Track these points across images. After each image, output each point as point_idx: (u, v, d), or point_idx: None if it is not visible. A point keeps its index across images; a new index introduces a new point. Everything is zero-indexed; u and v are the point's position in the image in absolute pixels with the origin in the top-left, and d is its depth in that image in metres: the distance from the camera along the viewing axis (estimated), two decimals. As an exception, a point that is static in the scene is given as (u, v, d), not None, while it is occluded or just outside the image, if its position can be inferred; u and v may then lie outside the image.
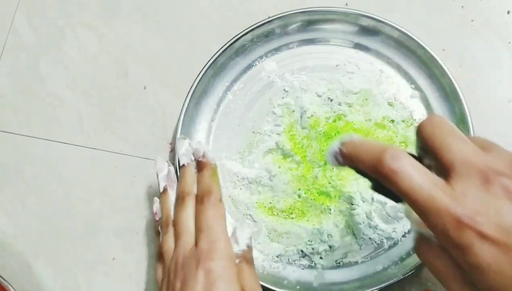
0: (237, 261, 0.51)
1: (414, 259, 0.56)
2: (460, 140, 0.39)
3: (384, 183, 0.39)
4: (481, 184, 0.36)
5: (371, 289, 0.55)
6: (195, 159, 0.57)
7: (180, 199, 0.55)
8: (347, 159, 0.43)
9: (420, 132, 0.41)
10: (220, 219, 0.52)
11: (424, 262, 0.42)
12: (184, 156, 0.57)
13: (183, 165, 0.57)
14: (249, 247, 0.52)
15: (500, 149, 0.39)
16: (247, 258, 0.52)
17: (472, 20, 0.64)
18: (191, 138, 0.61)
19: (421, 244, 0.42)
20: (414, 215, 0.39)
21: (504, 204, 0.35)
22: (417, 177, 0.37)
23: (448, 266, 0.39)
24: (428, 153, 0.41)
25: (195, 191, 0.55)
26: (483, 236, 0.35)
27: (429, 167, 0.39)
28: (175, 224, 0.54)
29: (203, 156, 0.56)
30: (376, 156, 0.39)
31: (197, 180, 0.56)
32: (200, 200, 0.54)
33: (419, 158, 0.41)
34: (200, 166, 0.56)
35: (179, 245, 0.52)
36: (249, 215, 0.60)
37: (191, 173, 0.56)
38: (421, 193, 0.37)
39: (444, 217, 0.36)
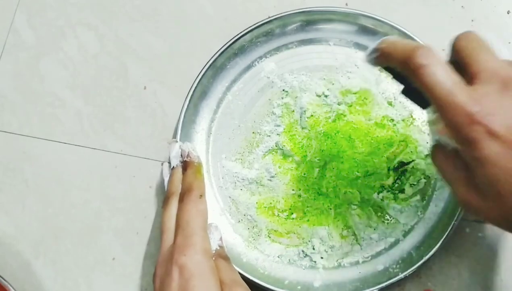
0: (213, 258, 0.52)
1: (415, 259, 0.56)
2: (490, 54, 0.42)
3: (412, 78, 0.42)
4: (500, 88, 0.39)
5: (371, 289, 0.55)
6: (181, 160, 0.59)
7: (165, 200, 0.56)
8: (383, 54, 0.45)
9: (454, 44, 0.44)
10: (198, 214, 0.53)
11: (437, 166, 0.45)
12: (175, 158, 0.59)
13: (173, 167, 0.59)
14: (221, 247, 0.55)
15: None
16: (221, 255, 0.54)
17: (472, 20, 0.64)
18: (190, 139, 0.61)
19: (436, 150, 0.45)
20: (436, 123, 0.44)
21: None
22: (441, 73, 0.40)
23: (457, 170, 0.42)
24: (459, 66, 0.43)
25: (180, 191, 0.57)
26: (491, 132, 0.38)
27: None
28: (161, 224, 0.55)
29: (187, 155, 0.58)
30: (408, 51, 0.41)
31: (182, 179, 0.58)
32: (181, 198, 0.55)
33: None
34: (184, 165, 0.59)
35: (161, 245, 0.53)
36: (250, 215, 0.60)
37: (178, 174, 0.58)
38: (442, 88, 0.40)
39: (459, 112, 0.39)
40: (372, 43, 0.46)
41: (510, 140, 0.38)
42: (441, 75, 0.40)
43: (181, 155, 0.59)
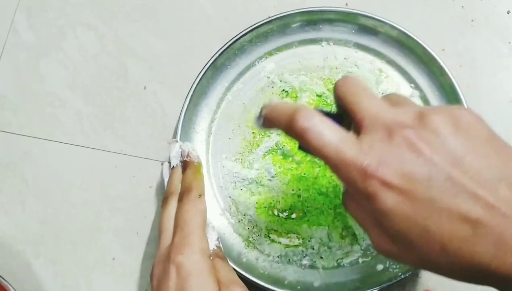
0: (211, 258, 0.51)
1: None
2: (370, 98, 0.41)
3: (298, 141, 0.41)
4: (386, 136, 0.38)
5: (371, 289, 0.55)
6: (181, 159, 0.59)
7: (164, 199, 0.56)
8: (267, 121, 0.45)
9: (335, 90, 0.44)
10: (197, 214, 0.53)
11: (350, 214, 0.43)
12: (175, 158, 0.59)
13: (173, 166, 0.59)
14: (218, 247, 0.54)
15: (410, 103, 0.42)
16: (219, 255, 0.54)
17: (472, 20, 0.64)
18: (189, 139, 0.61)
19: (346, 197, 0.43)
20: None
21: (405, 153, 0.37)
22: (326, 133, 0.39)
23: (367, 216, 0.41)
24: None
25: (179, 190, 0.57)
26: (386, 184, 0.37)
27: (349, 124, 0.42)
28: (159, 224, 0.55)
29: (187, 155, 0.58)
30: (289, 116, 0.41)
31: (181, 179, 0.58)
32: (180, 198, 0.55)
33: (339, 116, 0.43)
34: (184, 165, 0.59)
35: (159, 244, 0.53)
36: (250, 215, 0.60)
37: (178, 174, 0.58)
38: (329, 148, 0.39)
39: (351, 169, 0.38)
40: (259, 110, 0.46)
41: (406, 188, 0.37)
42: (326, 135, 0.39)
43: (181, 155, 0.59)
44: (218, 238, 0.55)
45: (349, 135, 0.40)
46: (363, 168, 0.37)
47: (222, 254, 0.55)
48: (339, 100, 0.43)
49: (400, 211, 0.37)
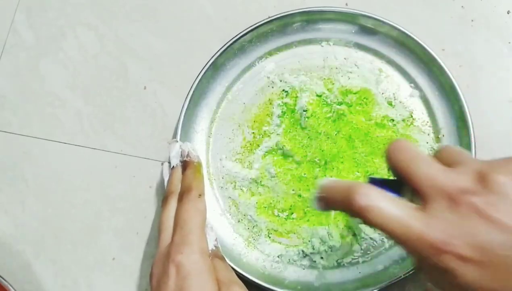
0: (210, 258, 0.51)
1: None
2: (425, 164, 0.39)
3: (360, 220, 0.39)
4: (450, 206, 0.37)
5: (371, 289, 0.55)
6: (181, 159, 0.59)
7: (164, 199, 0.56)
8: (326, 203, 0.43)
9: (387, 158, 0.42)
10: (196, 214, 0.53)
11: (429, 281, 0.42)
12: (175, 158, 0.59)
13: (173, 166, 0.59)
14: (217, 247, 0.55)
15: (466, 160, 0.40)
16: (217, 255, 0.54)
17: (472, 20, 0.64)
18: (189, 140, 0.61)
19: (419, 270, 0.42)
20: None
21: (473, 223, 0.36)
22: (388, 210, 0.38)
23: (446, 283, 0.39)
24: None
25: (179, 190, 0.57)
26: (462, 258, 0.35)
27: (410, 190, 0.40)
28: (158, 223, 0.55)
29: (187, 155, 0.58)
30: (346, 197, 0.39)
31: (181, 179, 0.58)
32: (180, 197, 0.55)
33: (397, 182, 0.41)
34: (184, 165, 0.59)
35: (159, 243, 0.53)
36: (250, 215, 0.60)
37: (177, 174, 0.58)
38: (394, 225, 0.37)
39: (421, 245, 0.36)
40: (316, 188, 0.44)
41: (482, 260, 0.35)
42: (388, 213, 0.37)
43: (181, 155, 0.59)
44: (216, 238, 0.56)
45: (413, 208, 0.38)
46: (434, 243, 0.36)
47: (220, 254, 0.55)
48: (394, 169, 0.41)
49: (481, 283, 0.36)
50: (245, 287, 0.51)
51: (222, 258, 0.54)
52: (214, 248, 0.54)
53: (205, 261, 0.50)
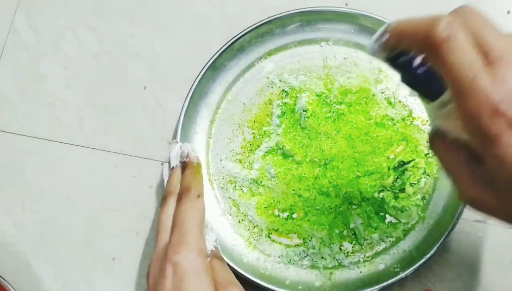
0: (208, 259, 0.51)
1: (415, 258, 0.56)
2: (495, 31, 0.37)
3: (431, 55, 0.37)
4: None
5: (372, 288, 0.55)
6: (180, 160, 0.59)
7: (163, 199, 0.56)
8: (396, 35, 0.40)
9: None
10: (195, 214, 0.53)
11: (436, 155, 0.41)
12: (174, 158, 0.59)
13: (172, 167, 0.59)
14: (216, 248, 0.54)
15: None
16: (217, 255, 0.53)
17: (472, 20, 0.64)
18: (189, 140, 0.61)
19: (435, 138, 0.41)
20: (441, 108, 0.39)
21: None
22: (467, 52, 0.35)
23: (461, 163, 0.38)
24: None
25: (178, 190, 0.56)
26: None
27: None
28: (157, 223, 0.55)
29: (187, 156, 0.58)
30: (429, 23, 0.36)
31: (181, 179, 0.57)
32: (179, 197, 0.55)
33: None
34: (183, 166, 0.59)
35: (156, 244, 0.53)
36: (250, 215, 0.60)
37: (177, 174, 0.58)
38: (467, 71, 0.35)
39: (482, 101, 0.34)
40: (378, 30, 0.42)
41: None
42: (467, 55, 0.35)
43: (181, 155, 0.59)
44: (216, 239, 0.55)
45: (483, 64, 0.35)
46: (494, 104, 0.34)
47: (220, 255, 0.55)
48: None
49: None
50: (243, 288, 0.51)
51: (221, 259, 0.54)
52: (213, 248, 0.54)
53: (203, 261, 0.50)
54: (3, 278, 0.57)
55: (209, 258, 0.52)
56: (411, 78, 0.41)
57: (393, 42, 0.40)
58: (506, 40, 0.36)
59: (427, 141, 0.47)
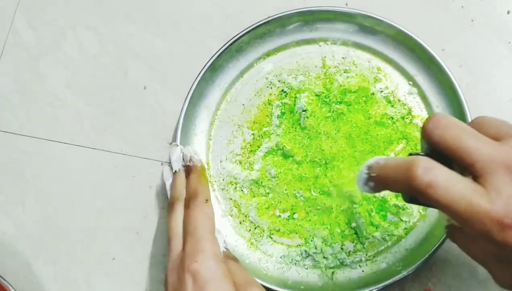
0: (223, 261, 0.51)
1: (418, 254, 0.56)
2: (474, 138, 0.38)
3: (420, 198, 0.38)
4: (508, 177, 0.36)
5: (374, 287, 0.55)
6: (183, 164, 0.59)
7: (169, 206, 0.56)
8: (379, 182, 0.42)
9: (428, 137, 0.40)
10: (205, 219, 0.53)
11: (460, 247, 0.42)
12: (176, 162, 0.59)
13: (175, 171, 0.59)
14: (227, 249, 0.55)
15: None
16: (229, 256, 0.54)
17: (472, 20, 0.64)
18: (189, 141, 0.61)
19: (454, 233, 0.42)
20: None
21: None
22: (453, 187, 0.36)
23: (486, 254, 0.39)
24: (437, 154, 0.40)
25: (184, 195, 0.56)
26: None
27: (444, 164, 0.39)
28: (167, 231, 0.55)
29: (190, 159, 0.58)
30: (406, 173, 0.38)
31: (186, 184, 0.57)
32: (187, 204, 0.55)
33: (429, 156, 0.40)
34: (187, 170, 0.58)
35: (170, 252, 0.53)
36: (251, 216, 0.60)
37: (181, 179, 0.58)
38: (460, 202, 0.36)
39: (486, 221, 0.36)
40: (361, 169, 0.43)
41: None
42: (453, 190, 0.36)
43: (183, 159, 0.59)
44: (224, 240, 0.56)
45: (473, 183, 0.37)
46: (499, 219, 0.35)
47: (232, 254, 0.55)
48: (437, 145, 0.39)
49: None
50: (261, 286, 0.51)
51: (234, 259, 0.54)
52: (224, 250, 0.54)
53: (220, 266, 0.49)
54: (3, 278, 0.57)
55: (223, 261, 0.51)
56: (414, 197, 0.41)
57: (381, 189, 0.42)
58: (486, 146, 0.37)
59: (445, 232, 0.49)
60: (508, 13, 0.64)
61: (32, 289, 0.61)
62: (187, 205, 0.54)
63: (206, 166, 0.61)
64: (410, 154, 0.42)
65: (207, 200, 0.54)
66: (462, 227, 0.40)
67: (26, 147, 0.65)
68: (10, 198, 0.64)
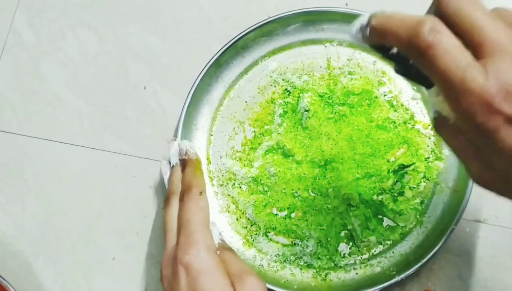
0: (218, 252, 0.51)
1: (413, 260, 0.56)
2: (490, 19, 0.36)
3: (416, 59, 0.36)
4: None
5: (369, 290, 0.55)
6: (180, 158, 0.59)
7: (166, 199, 0.56)
8: (377, 31, 0.39)
9: (444, 6, 0.37)
10: (198, 212, 0.53)
11: (443, 139, 0.41)
12: (174, 156, 0.59)
13: (172, 165, 0.59)
14: (222, 240, 0.54)
15: None
16: (225, 247, 0.54)
17: (472, 21, 0.64)
18: (190, 136, 0.61)
19: (439, 124, 0.40)
20: (436, 97, 0.38)
21: None
22: (454, 54, 0.35)
23: (466, 145, 0.38)
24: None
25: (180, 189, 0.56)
26: (510, 120, 0.34)
27: None
28: (163, 224, 0.55)
29: (185, 153, 0.58)
30: (412, 27, 0.35)
31: (181, 177, 0.57)
32: (181, 197, 0.55)
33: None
34: (183, 164, 0.58)
35: (165, 246, 0.53)
36: (248, 213, 0.60)
37: (177, 173, 0.58)
38: (456, 72, 0.34)
39: (475, 99, 0.34)
40: (361, 16, 0.40)
41: None
42: (453, 57, 0.34)
43: (180, 153, 0.59)
44: (220, 232, 0.56)
45: (474, 60, 0.35)
46: (488, 100, 0.34)
47: (228, 246, 0.55)
48: (449, 17, 0.36)
49: None
50: (257, 274, 0.50)
51: (230, 250, 0.54)
52: (220, 241, 0.54)
53: (213, 258, 0.49)
54: (3, 278, 0.57)
55: (218, 252, 0.52)
56: (405, 69, 0.40)
57: (376, 40, 0.39)
58: (500, 30, 0.35)
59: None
60: (509, 13, 0.64)
61: (32, 289, 0.61)
62: (181, 198, 0.54)
63: (203, 160, 0.61)
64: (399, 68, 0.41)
65: (201, 193, 0.54)
66: (448, 113, 0.38)
67: (26, 147, 0.65)
68: (10, 198, 0.64)
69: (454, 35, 0.35)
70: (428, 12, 0.39)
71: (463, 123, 0.36)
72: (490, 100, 0.34)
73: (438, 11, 0.37)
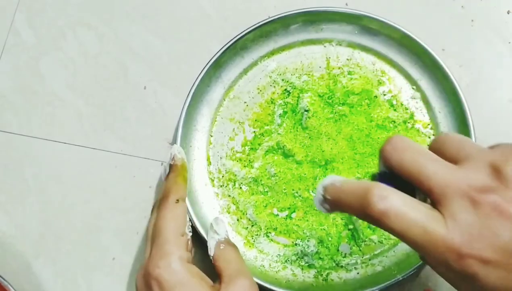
0: (221, 246, 0.51)
1: (414, 259, 0.56)
2: (431, 162, 0.37)
3: (376, 226, 0.37)
4: (468, 206, 0.35)
5: (371, 289, 0.55)
6: (170, 163, 0.57)
7: (153, 207, 0.55)
8: (333, 205, 0.40)
9: (386, 160, 0.39)
10: (171, 220, 0.51)
11: (434, 270, 0.40)
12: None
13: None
14: (227, 236, 0.54)
15: (473, 153, 0.37)
16: (229, 242, 0.53)
17: (472, 20, 0.64)
18: (190, 138, 0.61)
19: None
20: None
21: (495, 223, 0.34)
22: (409, 214, 0.35)
23: (459, 282, 0.38)
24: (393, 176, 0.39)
25: None
26: (485, 261, 0.34)
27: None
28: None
29: (173, 158, 0.56)
30: (361, 198, 0.37)
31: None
32: (158, 204, 0.53)
33: (391, 176, 0.39)
34: (169, 169, 0.56)
35: (144, 257, 0.51)
36: (249, 214, 0.60)
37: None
38: (415, 231, 0.35)
39: (443, 250, 0.35)
40: (318, 188, 0.41)
41: (505, 262, 0.34)
42: (409, 218, 0.35)
43: (169, 158, 0.58)
44: (226, 230, 0.55)
45: (431, 211, 0.36)
46: (456, 248, 0.34)
47: (232, 242, 0.54)
48: (395, 170, 0.38)
49: (503, 286, 0.34)
50: (252, 278, 0.50)
51: (233, 246, 0.54)
52: (226, 236, 0.54)
53: (186, 268, 0.48)
54: (3, 278, 0.57)
55: (222, 246, 0.51)
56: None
57: (337, 210, 0.40)
58: (443, 171, 0.36)
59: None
60: (508, 13, 0.64)
61: (32, 289, 0.61)
62: (158, 207, 0.53)
63: (203, 162, 0.61)
64: (373, 175, 0.41)
65: (178, 200, 0.52)
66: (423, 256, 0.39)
67: (26, 147, 0.65)
68: (10, 198, 0.64)
69: (404, 195, 0.36)
70: (380, 164, 0.40)
71: (445, 271, 0.37)
72: (457, 248, 0.34)
73: (386, 166, 0.39)
